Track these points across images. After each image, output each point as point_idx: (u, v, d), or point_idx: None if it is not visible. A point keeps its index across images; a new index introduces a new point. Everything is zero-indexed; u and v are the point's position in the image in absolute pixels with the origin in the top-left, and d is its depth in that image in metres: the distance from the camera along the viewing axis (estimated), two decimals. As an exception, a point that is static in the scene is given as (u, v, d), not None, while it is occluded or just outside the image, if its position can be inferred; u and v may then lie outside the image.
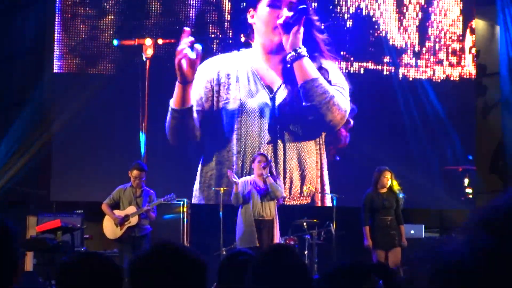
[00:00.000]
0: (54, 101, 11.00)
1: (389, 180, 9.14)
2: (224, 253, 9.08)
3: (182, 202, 10.13)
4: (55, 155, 10.91)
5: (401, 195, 9.16)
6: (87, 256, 2.52)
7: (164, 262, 2.19)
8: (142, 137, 10.82)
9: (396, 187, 9.18)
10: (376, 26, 11.32)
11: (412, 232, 10.13)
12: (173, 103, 10.49)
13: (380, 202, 9.10)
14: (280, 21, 10.51)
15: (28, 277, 8.97)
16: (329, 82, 10.76)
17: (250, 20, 10.87)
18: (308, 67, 10.57)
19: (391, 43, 11.32)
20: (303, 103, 10.60)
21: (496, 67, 12.04)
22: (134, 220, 8.89)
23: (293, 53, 10.50)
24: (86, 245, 9.87)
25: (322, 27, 11.03)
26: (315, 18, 11.04)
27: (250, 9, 10.87)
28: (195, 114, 10.58)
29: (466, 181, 11.39)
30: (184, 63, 10.25)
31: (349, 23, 11.28)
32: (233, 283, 3.10)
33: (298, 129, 10.79)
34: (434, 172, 11.15)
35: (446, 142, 11.29)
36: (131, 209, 8.92)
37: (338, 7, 11.29)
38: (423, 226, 10.59)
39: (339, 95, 10.73)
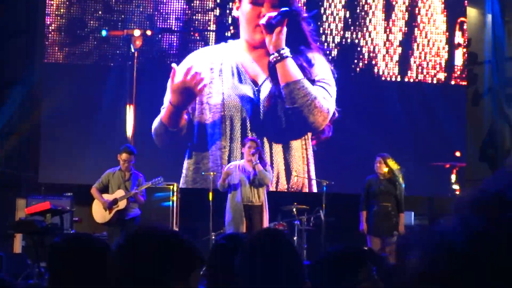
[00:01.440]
0: (44, 83, 10.94)
1: (383, 166, 9.15)
2: (213, 237, 9.08)
3: (171, 186, 10.11)
4: (44, 137, 10.86)
5: (400, 179, 9.16)
6: (78, 237, 2.51)
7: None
8: (130, 128, 10.79)
9: (396, 172, 9.17)
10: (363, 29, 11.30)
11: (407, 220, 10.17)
12: (165, 121, 10.44)
13: (377, 187, 9.12)
14: (263, 21, 10.44)
15: (17, 260, 8.97)
16: (315, 76, 10.71)
17: (235, 13, 10.84)
18: (290, 69, 10.52)
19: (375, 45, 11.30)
20: (285, 105, 10.58)
21: (487, 55, 12.07)
22: (122, 204, 8.88)
23: (276, 54, 10.47)
24: (75, 228, 9.85)
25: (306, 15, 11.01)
26: (303, 8, 11.03)
27: (236, 2, 10.81)
28: (184, 116, 10.54)
29: (453, 177, 11.41)
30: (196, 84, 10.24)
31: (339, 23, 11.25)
32: (223, 268, 3.09)
33: (282, 126, 10.71)
34: (422, 163, 11.17)
35: (435, 137, 11.32)
36: (120, 193, 8.91)
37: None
38: (413, 213, 10.63)
39: (323, 95, 10.68)
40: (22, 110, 10.86)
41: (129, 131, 10.79)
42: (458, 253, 1.06)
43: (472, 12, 12.00)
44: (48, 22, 10.88)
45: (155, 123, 10.59)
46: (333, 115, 10.86)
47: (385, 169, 9.15)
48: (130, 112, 10.80)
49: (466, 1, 11.70)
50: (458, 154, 11.41)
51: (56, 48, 10.89)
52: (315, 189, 10.85)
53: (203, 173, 10.55)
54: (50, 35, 10.89)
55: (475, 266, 1.04)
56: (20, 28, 11.11)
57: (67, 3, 10.93)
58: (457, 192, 11.30)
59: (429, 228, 1.15)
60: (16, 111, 10.81)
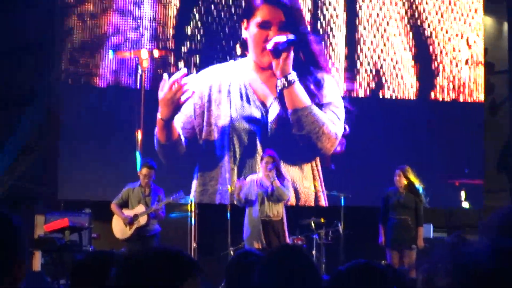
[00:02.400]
0: (62, 100, 10.99)
1: (403, 179, 9.11)
2: (231, 253, 9.06)
3: (189, 202, 10.11)
4: (63, 154, 10.90)
5: (421, 192, 9.11)
6: (100, 254, 2.51)
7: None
8: (137, 152, 10.78)
9: (417, 184, 9.13)
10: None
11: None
12: (159, 136, 10.36)
13: (396, 200, 9.08)
14: (269, 46, 10.37)
15: (36, 277, 8.98)
16: (324, 98, 10.66)
17: (243, 33, 10.82)
18: (298, 95, 10.46)
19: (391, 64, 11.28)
20: (293, 131, 10.55)
21: (504, 64, 12.01)
22: (143, 220, 8.87)
23: (283, 80, 10.43)
24: (93, 245, 9.86)
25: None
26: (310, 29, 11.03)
27: (244, 20, 10.81)
28: (182, 138, 10.50)
29: (463, 194, 11.32)
30: (181, 96, 9.91)
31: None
32: (241, 284, 3.08)
33: (291, 149, 10.61)
34: (438, 177, 11.10)
35: (450, 152, 11.26)
36: (140, 208, 8.90)
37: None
38: (431, 225, 10.56)
39: (331, 120, 10.63)
40: (41, 126, 10.92)
41: (138, 152, 10.77)
42: (487, 275, 1.04)
43: (488, 21, 11.94)
44: (65, 41, 10.94)
45: (155, 142, 10.54)
46: (344, 129, 10.81)
47: (405, 182, 9.11)
48: (138, 133, 10.79)
49: (473, 15, 11.54)
50: (466, 171, 11.34)
51: (73, 67, 10.93)
52: (323, 203, 10.79)
53: (220, 187, 10.53)
54: (67, 54, 10.95)
55: (504, 287, 1.03)
56: (37, 45, 11.17)
57: (83, 22, 10.98)
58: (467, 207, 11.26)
59: (457, 250, 1.13)
60: (35, 127, 10.86)
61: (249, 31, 10.70)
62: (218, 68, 10.85)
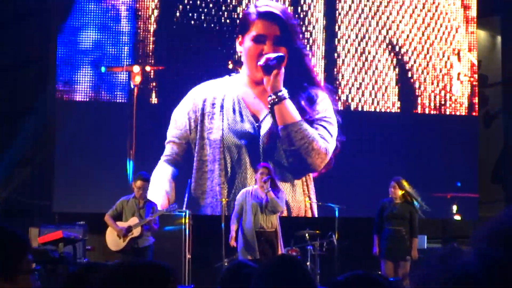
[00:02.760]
0: (57, 114, 10.99)
1: (397, 191, 9.14)
2: (226, 264, 9.05)
3: (184, 213, 10.10)
4: (58, 166, 10.90)
5: (416, 204, 9.12)
6: (93, 266, 2.51)
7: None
8: (130, 165, 10.79)
9: (414, 194, 9.15)
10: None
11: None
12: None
13: (390, 211, 9.09)
14: (261, 62, 10.49)
15: None
16: (316, 114, 10.70)
17: (238, 48, 10.87)
18: (288, 111, 10.52)
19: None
20: (283, 146, 10.57)
21: (498, 77, 12.06)
22: (137, 232, 8.86)
23: (273, 96, 10.49)
24: (88, 257, 9.84)
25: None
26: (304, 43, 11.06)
27: (239, 35, 10.85)
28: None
29: (455, 208, 11.33)
30: None
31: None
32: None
33: (282, 165, 10.65)
34: (431, 189, 11.11)
35: (443, 165, 11.27)
36: (134, 220, 8.90)
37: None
38: (425, 236, 10.56)
39: (322, 136, 10.66)
40: (36, 140, 10.91)
41: (130, 169, 10.79)
42: (477, 285, 1.05)
43: (481, 34, 12.00)
44: (59, 56, 10.94)
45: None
46: (335, 148, 10.83)
47: (400, 193, 9.13)
48: (131, 147, 10.81)
49: (464, 30, 11.54)
50: (458, 184, 11.35)
51: (67, 84, 10.92)
52: (315, 215, 10.80)
53: (213, 199, 10.54)
54: (60, 70, 10.94)
55: None
56: (32, 58, 11.19)
57: (78, 36, 10.99)
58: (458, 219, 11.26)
59: (447, 261, 1.14)
60: (29, 140, 10.86)
61: (244, 45, 10.75)
62: (212, 83, 10.88)
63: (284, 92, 10.49)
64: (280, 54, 10.46)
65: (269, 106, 10.57)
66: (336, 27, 11.22)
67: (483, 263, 1.08)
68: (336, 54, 11.20)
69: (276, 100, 10.49)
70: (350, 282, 2.61)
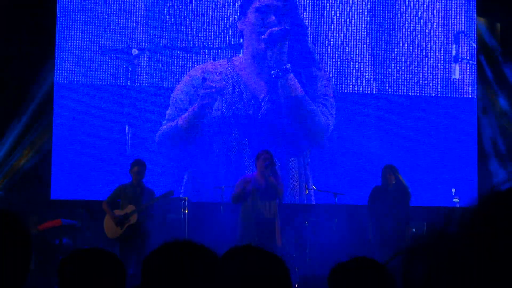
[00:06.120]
0: (55, 101, 10.98)
1: (391, 176, 9.14)
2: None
3: (183, 201, 10.10)
4: (56, 154, 10.89)
5: (408, 190, 9.15)
6: (88, 252, 2.51)
7: (178, 256, 2.20)
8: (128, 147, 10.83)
9: (403, 182, 9.17)
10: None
11: (413, 230, 10.12)
12: (181, 121, 10.57)
13: (383, 198, 9.10)
14: (265, 35, 10.45)
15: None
16: (316, 92, 10.70)
17: (240, 27, 10.83)
18: (291, 85, 10.51)
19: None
20: (285, 121, 10.57)
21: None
22: (133, 219, 8.89)
23: (277, 70, 10.48)
24: (87, 244, 9.86)
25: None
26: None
27: (241, 16, 10.83)
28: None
29: (453, 191, 11.28)
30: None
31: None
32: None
33: (282, 143, 10.64)
34: (433, 174, 11.10)
35: (444, 147, 11.25)
36: (131, 208, 8.92)
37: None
38: (425, 223, 10.58)
39: (322, 112, 10.66)
40: (34, 127, 10.91)
41: (128, 149, 10.79)
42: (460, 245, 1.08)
43: (481, 22, 11.95)
44: (58, 42, 10.93)
45: (167, 129, 10.59)
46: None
47: (393, 179, 9.14)
48: (127, 130, 10.82)
49: (463, 16, 11.51)
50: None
51: (66, 67, 10.93)
52: (312, 201, 10.81)
53: (214, 187, 10.53)
54: (60, 55, 10.94)
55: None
56: (25, 49, 11.15)
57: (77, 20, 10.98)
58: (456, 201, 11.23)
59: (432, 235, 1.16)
60: (27, 127, 10.86)
61: (246, 20, 10.71)
62: (212, 63, 10.88)
63: (288, 66, 10.49)
64: (285, 27, 10.44)
65: (273, 79, 10.54)
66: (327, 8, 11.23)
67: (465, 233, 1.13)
68: (328, 39, 11.18)
69: (280, 74, 10.48)
70: (349, 267, 2.62)
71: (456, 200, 11.11)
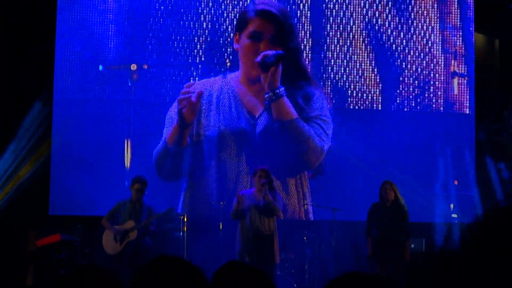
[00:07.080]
0: (54, 116, 11.00)
1: (391, 192, 9.13)
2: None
3: (181, 217, 10.10)
4: (55, 169, 10.90)
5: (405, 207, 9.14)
6: (85, 268, 2.50)
7: (166, 272, 2.22)
8: (128, 163, 10.82)
9: (401, 199, 9.15)
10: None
11: (412, 246, 10.11)
12: (169, 141, 10.51)
13: (382, 214, 9.08)
14: (258, 59, 10.45)
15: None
16: (312, 113, 10.71)
17: (235, 45, 10.88)
18: (285, 108, 10.48)
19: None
20: (278, 143, 10.57)
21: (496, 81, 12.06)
22: (133, 235, 8.87)
23: (270, 93, 10.48)
24: (85, 260, 9.84)
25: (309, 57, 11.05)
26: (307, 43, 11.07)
27: (237, 32, 10.87)
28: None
29: (451, 206, 11.29)
30: (186, 110, 10.33)
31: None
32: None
33: (278, 162, 10.54)
34: (430, 189, 11.10)
35: (441, 163, 11.26)
36: (130, 224, 8.90)
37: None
38: (424, 240, 10.57)
39: (317, 134, 10.64)
40: (33, 142, 10.92)
41: (127, 164, 10.79)
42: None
43: (479, 38, 12.00)
44: (57, 57, 10.97)
45: (158, 150, 10.61)
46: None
47: (391, 195, 9.13)
48: (127, 146, 10.82)
49: (460, 33, 11.54)
50: (456, 182, 11.31)
51: (65, 83, 10.96)
52: (310, 217, 10.80)
53: (213, 202, 10.53)
54: (59, 70, 10.97)
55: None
56: (29, 58, 11.18)
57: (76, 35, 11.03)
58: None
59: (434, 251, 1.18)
60: (26, 142, 10.86)
61: (241, 42, 10.76)
62: (208, 81, 10.90)
63: (281, 90, 10.50)
64: (279, 51, 10.46)
65: (266, 103, 10.56)
66: (325, 16, 11.25)
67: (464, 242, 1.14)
68: (324, 52, 11.21)
69: (274, 97, 10.48)
70: (344, 281, 2.60)
71: (454, 216, 11.11)
